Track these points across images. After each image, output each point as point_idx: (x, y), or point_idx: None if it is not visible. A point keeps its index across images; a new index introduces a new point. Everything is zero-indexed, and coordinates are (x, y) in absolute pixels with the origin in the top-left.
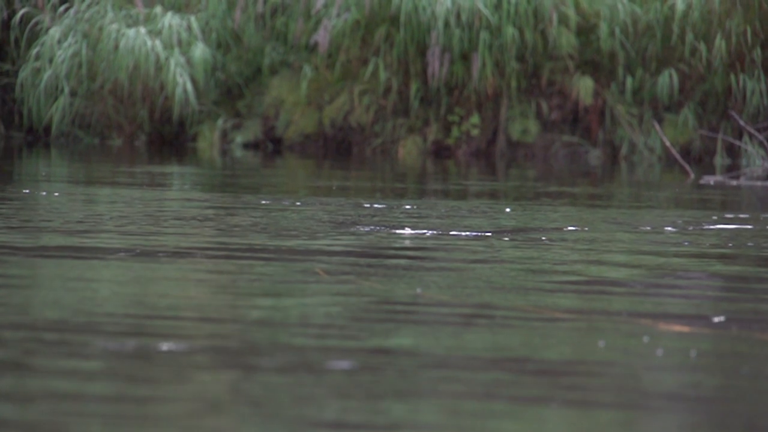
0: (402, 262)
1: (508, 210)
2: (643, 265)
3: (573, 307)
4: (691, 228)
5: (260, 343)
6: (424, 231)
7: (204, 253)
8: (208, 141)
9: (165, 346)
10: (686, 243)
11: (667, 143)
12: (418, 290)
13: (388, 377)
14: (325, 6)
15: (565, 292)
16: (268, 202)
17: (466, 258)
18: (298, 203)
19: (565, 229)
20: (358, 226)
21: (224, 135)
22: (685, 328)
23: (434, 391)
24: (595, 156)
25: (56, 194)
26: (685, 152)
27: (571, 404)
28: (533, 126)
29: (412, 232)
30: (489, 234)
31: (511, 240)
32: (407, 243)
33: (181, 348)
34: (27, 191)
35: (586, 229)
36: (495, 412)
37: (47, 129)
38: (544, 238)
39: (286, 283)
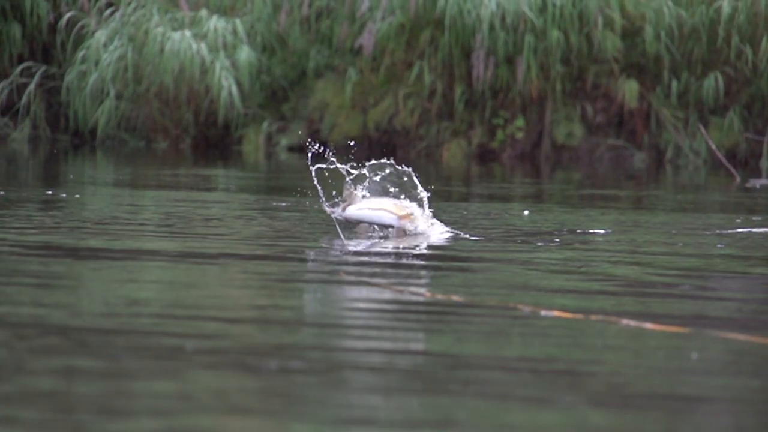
0: (419, 263)
1: (525, 213)
2: (670, 267)
3: (581, 307)
4: (732, 231)
5: (288, 344)
6: (450, 233)
7: (241, 255)
8: (253, 144)
9: (201, 345)
10: (728, 245)
11: (713, 146)
12: (423, 291)
13: (412, 377)
14: (370, 9)
15: (580, 293)
16: (303, 204)
17: (482, 259)
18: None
19: (590, 231)
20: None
21: (269, 138)
22: (680, 329)
23: (460, 390)
24: (640, 159)
25: (76, 196)
26: (731, 155)
27: (608, 405)
28: (578, 129)
29: (430, 234)
30: (507, 236)
31: (530, 242)
32: (425, 245)
33: (217, 347)
34: (51, 193)
35: (610, 231)
36: (518, 412)
37: (93, 132)
38: (557, 240)
39: (313, 284)
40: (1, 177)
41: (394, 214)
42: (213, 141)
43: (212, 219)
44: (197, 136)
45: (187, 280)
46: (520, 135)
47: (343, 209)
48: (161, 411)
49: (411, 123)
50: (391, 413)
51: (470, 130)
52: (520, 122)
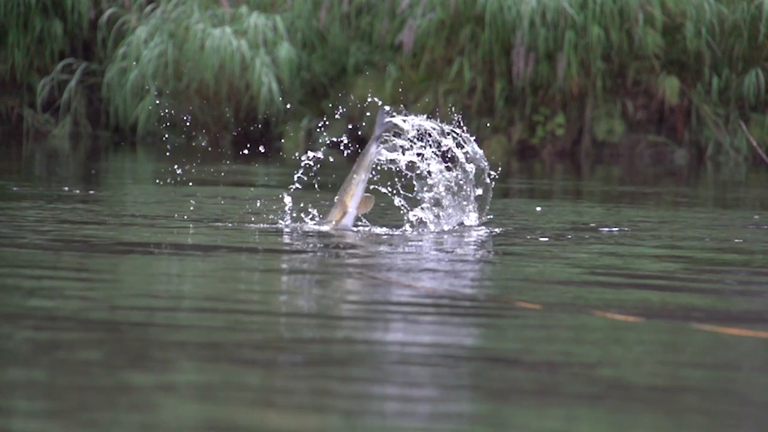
0: (429, 255)
1: (538, 209)
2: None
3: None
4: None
5: (308, 338)
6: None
7: (279, 249)
8: (292, 140)
9: (237, 339)
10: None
11: (754, 143)
12: (422, 286)
13: (422, 372)
14: (410, 6)
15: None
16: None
17: (490, 254)
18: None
19: (621, 228)
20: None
21: (309, 134)
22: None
23: (478, 386)
24: (680, 156)
25: (113, 191)
26: None
27: (654, 406)
28: (618, 126)
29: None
30: (521, 233)
31: (563, 238)
32: (434, 241)
33: (246, 341)
34: (90, 189)
35: (648, 225)
36: (525, 408)
37: (133, 128)
38: (570, 236)
39: (336, 278)
40: (42, 173)
41: (345, 211)
42: (253, 137)
43: (251, 214)
44: (237, 133)
45: (221, 273)
46: (560, 131)
47: (336, 225)
48: (194, 402)
49: (451, 119)
50: (403, 407)
51: (510, 126)
52: (560, 119)
